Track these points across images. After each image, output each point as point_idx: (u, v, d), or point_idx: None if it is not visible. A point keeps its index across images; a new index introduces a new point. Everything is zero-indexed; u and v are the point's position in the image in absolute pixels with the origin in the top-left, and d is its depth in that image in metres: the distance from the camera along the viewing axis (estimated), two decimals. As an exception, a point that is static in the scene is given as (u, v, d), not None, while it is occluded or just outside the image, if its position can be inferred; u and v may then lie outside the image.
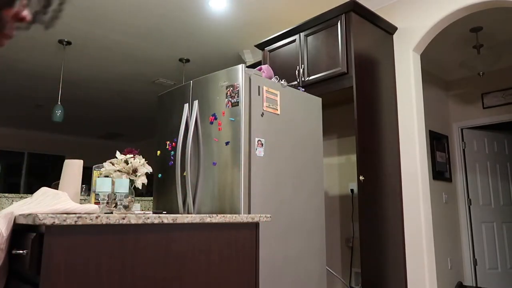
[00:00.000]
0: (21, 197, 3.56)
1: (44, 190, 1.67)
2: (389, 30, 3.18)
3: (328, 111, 3.75)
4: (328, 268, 3.16)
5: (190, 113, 2.48)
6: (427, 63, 4.60)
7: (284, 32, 3.26)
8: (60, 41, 4.23)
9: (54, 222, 1.16)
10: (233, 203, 2.16)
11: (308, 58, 3.08)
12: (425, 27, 3.07)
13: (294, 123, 2.50)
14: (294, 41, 3.20)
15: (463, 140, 4.96)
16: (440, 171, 4.66)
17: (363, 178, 2.74)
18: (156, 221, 1.38)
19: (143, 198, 4.57)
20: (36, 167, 8.96)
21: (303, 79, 3.07)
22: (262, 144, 2.26)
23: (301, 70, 3.09)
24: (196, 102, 2.45)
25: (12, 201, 3.51)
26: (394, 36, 3.24)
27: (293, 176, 2.44)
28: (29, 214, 1.20)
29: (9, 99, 6.32)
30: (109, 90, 5.91)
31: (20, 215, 1.29)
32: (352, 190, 3.47)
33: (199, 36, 4.16)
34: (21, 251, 1.24)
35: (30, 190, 8.76)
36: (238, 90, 2.22)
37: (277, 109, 2.39)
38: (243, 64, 2.27)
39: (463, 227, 4.81)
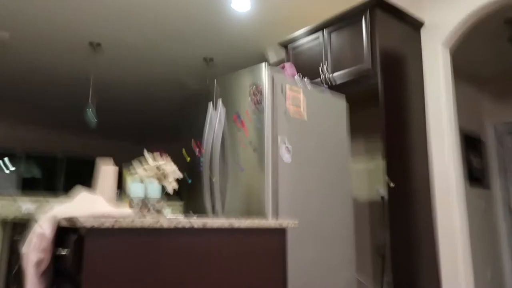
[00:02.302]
0: (60, 200, 3.73)
1: (82, 194, 1.78)
2: (416, 25, 3.13)
3: (353, 110, 3.72)
4: (358, 277, 3.12)
5: (215, 113, 2.54)
6: (458, 58, 4.45)
7: (308, 30, 3.28)
8: (91, 44, 4.34)
9: (93, 225, 1.24)
10: (261, 209, 2.20)
11: (332, 55, 3.08)
12: (455, 20, 2.96)
13: (318, 123, 2.50)
14: (317, 38, 3.22)
15: (500, 142, 4.76)
16: (475, 177, 4.50)
17: (391, 183, 2.72)
18: (187, 226, 1.45)
19: (174, 202, 4.68)
20: (72, 170, 9.32)
21: (327, 77, 3.08)
22: (287, 146, 2.29)
23: (325, 68, 3.10)
24: (220, 102, 2.50)
25: (52, 203, 3.69)
26: (422, 31, 3.17)
27: (319, 181, 2.45)
28: (71, 217, 1.29)
29: (47, 104, 6.61)
30: (140, 91, 6.04)
31: (62, 218, 1.39)
32: (381, 196, 3.44)
33: (223, 35, 4.21)
34: (64, 252, 1.34)
35: (68, 192, 9.11)
36: (261, 89, 2.26)
37: (300, 107, 2.41)
38: (266, 63, 2.31)
39: (503, 236, 4.61)
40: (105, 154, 9.53)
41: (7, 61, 4.90)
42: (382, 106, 2.74)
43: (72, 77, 5.43)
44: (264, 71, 2.28)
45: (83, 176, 9.50)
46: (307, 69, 3.25)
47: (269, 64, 4.11)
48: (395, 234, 2.64)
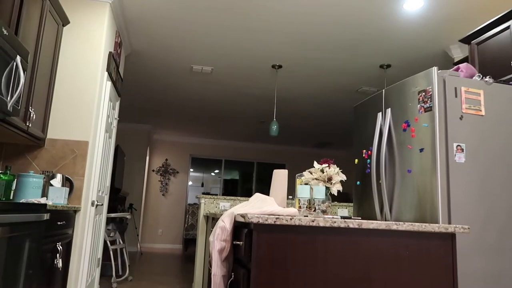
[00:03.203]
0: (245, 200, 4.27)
1: (256, 195, 2.06)
2: None
3: None
4: None
5: (383, 121, 2.52)
6: None
7: (494, 20, 2.87)
8: (273, 66, 4.91)
9: (258, 221, 1.46)
10: (432, 212, 2.08)
11: (526, 45, 2.62)
12: None
13: (505, 123, 2.20)
14: (507, 28, 2.78)
15: None
16: None
17: None
18: (342, 225, 1.53)
19: (350, 204, 4.74)
20: (263, 174, 10.41)
21: (520, 70, 2.63)
22: (462, 150, 2.09)
23: (518, 61, 2.66)
24: (388, 110, 2.47)
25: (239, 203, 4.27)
26: None
27: (505, 185, 2.14)
28: (243, 214, 1.55)
29: (240, 118, 7.64)
30: (317, 103, 6.39)
31: (238, 214, 1.66)
32: None
33: (398, 39, 4.08)
34: (239, 242, 1.60)
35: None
36: (431, 94, 2.13)
37: (480, 110, 2.17)
38: (436, 67, 2.17)
39: None
40: (290, 159, 10.31)
41: (210, 89, 5.95)
42: None
43: (258, 96, 6.17)
44: (433, 75, 2.15)
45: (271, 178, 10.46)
46: (496, 65, 2.85)
47: (453, 63, 3.77)
48: None
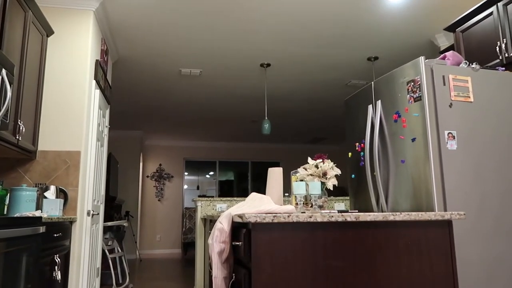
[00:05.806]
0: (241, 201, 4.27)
1: (253, 195, 2.06)
2: None
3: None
4: None
5: (374, 113, 2.53)
6: None
7: (477, 7, 2.90)
8: (261, 65, 4.91)
9: (256, 221, 1.46)
10: (428, 200, 2.10)
11: (511, 30, 2.65)
12: None
13: (493, 108, 2.23)
14: (490, 14, 2.81)
15: None
16: None
17: None
18: (339, 219, 1.54)
19: (346, 197, 4.76)
20: (258, 173, 10.41)
21: (506, 55, 2.66)
22: (453, 137, 2.11)
23: (503, 46, 2.69)
24: (379, 102, 2.49)
25: (236, 203, 4.26)
26: None
27: (498, 170, 2.16)
28: (240, 214, 1.55)
29: (231, 119, 7.63)
30: (308, 99, 6.41)
31: (235, 215, 1.66)
32: None
33: (384, 31, 4.10)
34: (238, 243, 1.60)
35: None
36: (420, 83, 2.15)
37: (469, 97, 2.19)
38: (423, 57, 2.18)
39: None
40: (284, 156, 10.31)
41: (199, 92, 5.93)
42: None
43: (249, 96, 6.16)
44: (421, 65, 2.17)
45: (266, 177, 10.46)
46: (482, 51, 2.89)
47: (439, 52, 3.80)
48: None
